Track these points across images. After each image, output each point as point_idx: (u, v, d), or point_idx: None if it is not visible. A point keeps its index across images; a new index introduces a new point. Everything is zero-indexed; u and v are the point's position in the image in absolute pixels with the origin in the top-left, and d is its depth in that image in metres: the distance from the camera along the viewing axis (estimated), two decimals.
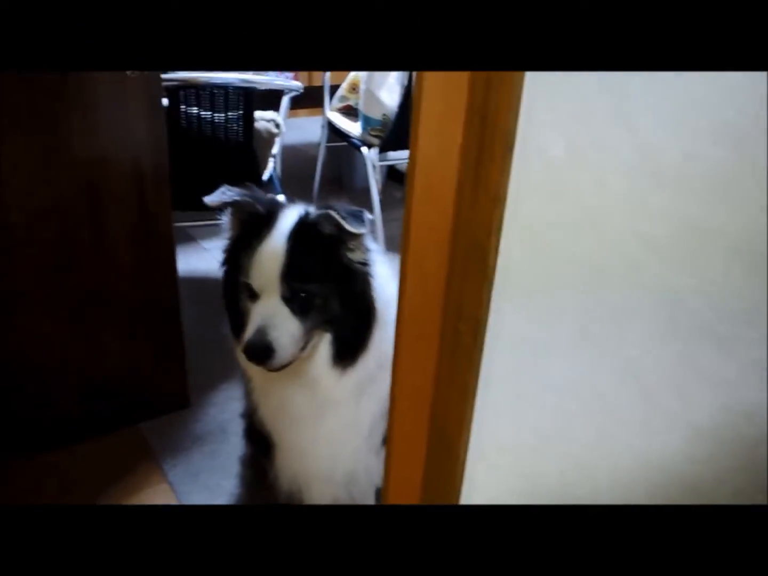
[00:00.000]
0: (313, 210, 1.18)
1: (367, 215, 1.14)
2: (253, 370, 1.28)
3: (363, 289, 1.17)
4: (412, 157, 0.68)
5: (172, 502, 1.69)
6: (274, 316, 1.11)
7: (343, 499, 1.41)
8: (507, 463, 0.69)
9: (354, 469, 1.31)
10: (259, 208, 1.19)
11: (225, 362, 2.11)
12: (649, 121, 0.51)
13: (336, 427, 1.29)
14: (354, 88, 3.23)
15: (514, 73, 0.51)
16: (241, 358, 1.22)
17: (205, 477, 1.77)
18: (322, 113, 3.38)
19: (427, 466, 0.72)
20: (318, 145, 3.54)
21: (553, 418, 0.63)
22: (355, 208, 1.15)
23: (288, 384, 1.25)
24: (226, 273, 1.26)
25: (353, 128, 2.99)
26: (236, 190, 1.20)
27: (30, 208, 1.55)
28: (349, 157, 3.66)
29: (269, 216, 1.18)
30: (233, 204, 1.20)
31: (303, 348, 1.17)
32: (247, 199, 1.19)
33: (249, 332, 1.11)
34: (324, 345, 1.21)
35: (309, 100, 4.28)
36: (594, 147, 0.53)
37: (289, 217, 1.18)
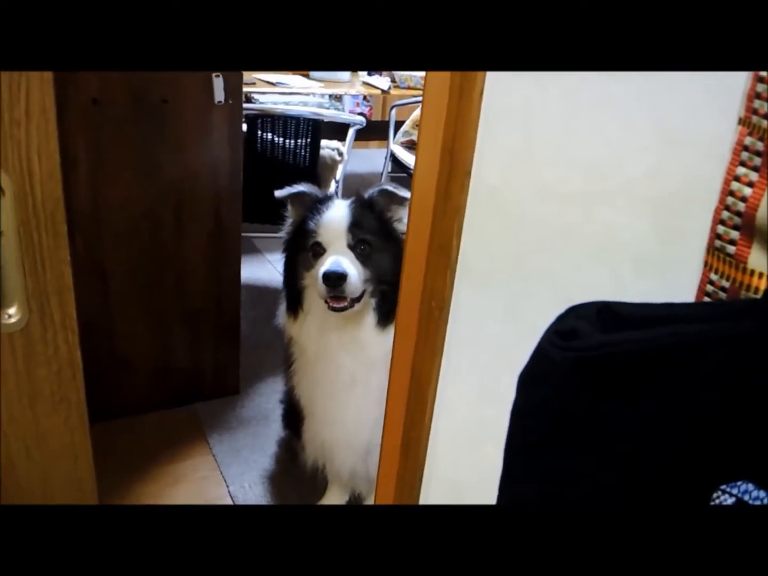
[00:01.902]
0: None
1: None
2: (307, 340, 1.53)
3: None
4: (412, 187, 0.93)
5: (215, 471, 1.95)
6: (343, 257, 1.39)
7: (361, 471, 1.63)
8: (464, 408, 0.90)
9: (371, 440, 1.51)
10: (320, 195, 1.51)
11: (274, 359, 2.38)
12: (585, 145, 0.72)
13: (360, 399, 1.52)
14: (417, 124, 3.51)
15: (470, 126, 0.75)
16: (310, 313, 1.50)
17: (246, 453, 2.02)
18: (387, 146, 3.66)
19: (407, 409, 0.95)
20: (381, 174, 3.82)
21: (501, 372, 0.84)
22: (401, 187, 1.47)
23: (336, 351, 1.50)
24: (287, 250, 1.54)
25: (413, 161, 3.25)
26: (299, 185, 1.52)
27: (125, 215, 1.86)
28: (408, 186, 3.92)
29: (328, 199, 1.49)
30: (298, 194, 1.51)
31: (359, 298, 1.42)
32: (308, 189, 1.52)
33: (326, 265, 1.37)
34: (370, 311, 1.46)
35: (378, 133, 4.61)
36: (523, 178, 0.75)
37: (345, 200, 1.49)
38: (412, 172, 3.30)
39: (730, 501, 0.45)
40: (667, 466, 0.44)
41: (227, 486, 1.89)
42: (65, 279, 0.61)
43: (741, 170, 0.44)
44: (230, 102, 1.91)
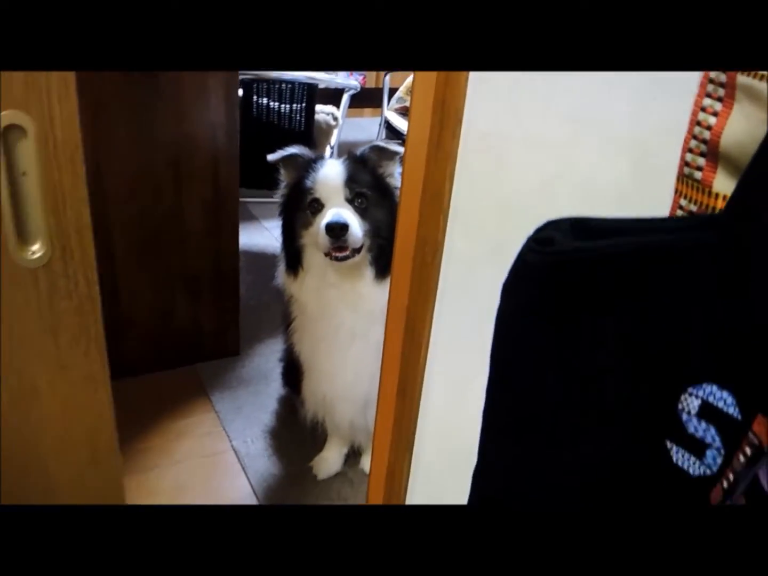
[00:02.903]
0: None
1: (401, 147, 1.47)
2: (307, 297, 1.58)
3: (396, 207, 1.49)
4: (407, 138, 0.96)
5: (217, 427, 2.02)
6: (342, 210, 1.44)
7: (360, 423, 1.69)
8: (457, 349, 0.96)
9: (369, 392, 1.57)
10: (311, 155, 1.56)
11: (272, 322, 2.44)
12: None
13: (359, 352, 1.57)
14: (411, 91, 3.52)
15: (461, 77, 0.79)
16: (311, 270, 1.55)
17: (247, 410, 2.09)
18: (380, 113, 3.68)
19: (403, 352, 1.00)
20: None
21: (491, 314, 0.89)
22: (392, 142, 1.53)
23: (335, 306, 1.55)
24: (284, 212, 1.58)
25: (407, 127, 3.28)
26: (291, 148, 1.56)
27: (123, 176, 1.89)
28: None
29: (320, 158, 1.54)
30: (290, 156, 1.54)
31: (359, 250, 1.47)
32: (299, 151, 1.56)
33: (327, 218, 1.42)
34: (366, 265, 1.52)
35: (371, 100, 4.60)
36: (510, 127, 0.80)
37: (338, 159, 1.55)
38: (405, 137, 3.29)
39: (696, 403, 0.50)
40: (635, 370, 0.49)
41: (230, 441, 1.96)
42: (84, 218, 0.65)
43: (707, 101, 0.48)
44: None
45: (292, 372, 1.87)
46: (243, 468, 1.86)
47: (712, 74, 0.48)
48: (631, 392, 0.51)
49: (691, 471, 0.51)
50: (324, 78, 2.49)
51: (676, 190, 0.52)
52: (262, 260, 3.03)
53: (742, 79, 0.45)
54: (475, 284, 0.89)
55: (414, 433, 1.14)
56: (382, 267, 1.50)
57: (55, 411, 0.72)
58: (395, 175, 1.51)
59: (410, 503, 1.26)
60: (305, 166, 1.52)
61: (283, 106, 2.46)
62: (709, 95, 0.48)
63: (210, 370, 2.26)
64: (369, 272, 1.52)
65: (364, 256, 1.50)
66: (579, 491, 0.55)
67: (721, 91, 0.47)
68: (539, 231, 0.44)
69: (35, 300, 0.66)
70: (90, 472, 0.78)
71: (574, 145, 0.75)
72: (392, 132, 3.46)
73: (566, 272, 0.42)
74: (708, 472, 0.50)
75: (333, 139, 2.77)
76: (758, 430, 0.47)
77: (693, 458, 0.50)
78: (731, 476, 0.49)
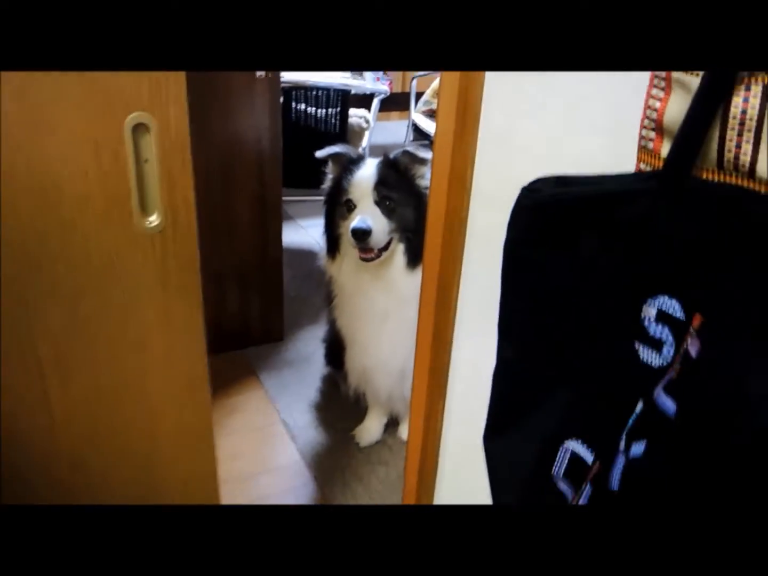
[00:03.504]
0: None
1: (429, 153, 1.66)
2: (345, 279, 1.78)
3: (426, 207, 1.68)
4: (436, 131, 1.15)
5: (266, 403, 2.22)
6: (369, 213, 1.63)
7: (397, 393, 1.88)
8: (482, 304, 1.14)
9: (405, 366, 1.75)
10: (354, 155, 1.76)
11: (311, 311, 2.65)
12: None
13: (393, 330, 1.76)
14: (437, 93, 3.71)
15: (479, 80, 0.98)
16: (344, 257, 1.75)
17: (293, 388, 2.29)
18: (408, 116, 3.87)
19: (436, 311, 1.19)
20: (404, 143, 4.03)
21: None
22: (422, 148, 1.71)
23: (369, 289, 1.74)
24: (328, 203, 1.79)
25: (434, 128, 3.46)
26: (337, 146, 1.76)
27: None
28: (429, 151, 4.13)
29: (361, 159, 1.74)
30: (336, 154, 1.75)
31: (386, 247, 1.66)
32: (344, 150, 1.76)
33: (353, 222, 1.61)
34: (399, 254, 1.70)
35: (398, 104, 4.80)
36: (519, 120, 0.98)
37: (375, 159, 1.74)
38: (432, 139, 3.47)
39: (653, 311, 0.68)
40: (604, 288, 0.67)
41: (279, 414, 2.16)
42: (190, 196, 0.85)
43: (654, 91, 0.66)
44: (269, 75, 2.15)
45: (335, 350, 2.06)
46: (292, 438, 2.06)
47: None
48: (603, 306, 0.69)
49: (653, 363, 0.68)
50: (355, 84, 2.69)
51: (638, 158, 0.70)
52: (299, 256, 3.24)
53: (675, 74, 0.63)
54: (495, 249, 1.07)
55: (445, 404, 1.32)
56: (412, 256, 1.68)
57: (159, 352, 0.92)
58: (425, 176, 1.69)
59: (442, 467, 1.43)
60: (346, 164, 1.72)
61: (319, 111, 2.67)
62: (655, 86, 0.66)
63: (257, 354, 2.47)
64: (400, 261, 1.71)
65: (395, 247, 1.69)
66: (573, 383, 0.73)
67: (662, 84, 0.65)
68: (532, 183, 0.63)
69: (152, 259, 0.85)
70: (185, 402, 0.98)
71: (570, 133, 0.93)
72: (419, 133, 3.65)
73: (547, 211, 0.60)
74: (665, 363, 0.68)
75: (365, 141, 2.96)
76: (695, 324, 0.64)
77: (654, 353, 0.68)
78: (679, 361, 0.67)
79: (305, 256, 3.29)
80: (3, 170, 0.72)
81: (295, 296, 2.84)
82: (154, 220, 0.84)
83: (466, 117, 1.03)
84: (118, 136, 0.77)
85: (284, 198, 3.20)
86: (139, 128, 0.79)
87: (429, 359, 1.24)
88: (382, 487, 1.87)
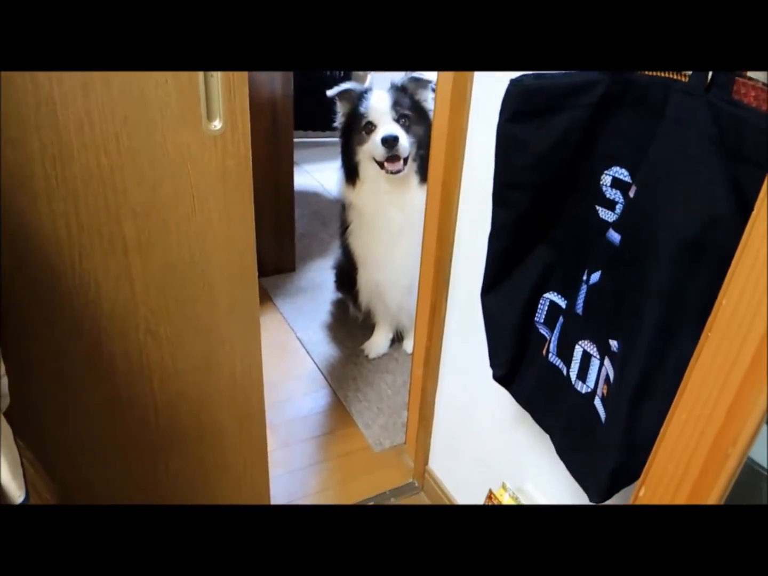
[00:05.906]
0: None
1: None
2: (363, 202, 2.00)
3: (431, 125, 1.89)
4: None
5: (283, 324, 2.45)
6: (392, 127, 1.84)
7: (407, 304, 2.11)
8: (481, 211, 1.36)
9: (413, 279, 1.95)
10: (361, 89, 1.95)
11: (319, 246, 2.86)
12: None
13: (405, 245, 1.98)
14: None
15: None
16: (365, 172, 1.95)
17: (307, 311, 2.52)
18: None
19: (440, 213, 1.41)
20: None
21: None
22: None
23: (387, 208, 1.96)
24: (343, 135, 1.98)
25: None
26: (345, 84, 1.96)
27: None
28: None
29: (369, 91, 1.94)
30: (345, 91, 1.94)
31: (406, 161, 1.87)
32: (354, 86, 1.96)
33: (380, 134, 1.83)
34: (412, 173, 1.92)
35: None
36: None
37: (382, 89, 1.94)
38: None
39: (608, 179, 0.89)
40: (571, 160, 0.88)
41: (295, 333, 2.39)
42: (245, 104, 1.04)
43: None
44: None
45: (345, 275, 2.29)
46: (308, 352, 2.29)
47: None
48: (573, 175, 0.91)
49: (609, 219, 0.90)
50: None
51: None
52: (305, 198, 3.43)
53: None
54: (489, 163, 1.29)
55: (445, 314, 1.54)
56: (424, 174, 1.89)
57: (219, 240, 1.13)
58: (429, 100, 1.89)
59: (443, 370, 1.66)
60: (358, 98, 1.91)
61: None
62: None
63: (272, 282, 2.69)
64: (414, 179, 1.92)
65: (410, 166, 1.90)
66: (550, 241, 0.95)
67: None
68: (517, 78, 0.84)
69: (214, 158, 1.05)
70: (237, 282, 1.19)
71: None
72: None
73: (531, 96, 0.82)
74: (617, 218, 0.89)
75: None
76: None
77: (609, 212, 0.89)
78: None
79: (311, 197, 3.49)
80: None
81: (304, 232, 3.05)
82: (216, 124, 1.04)
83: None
84: None
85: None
86: None
87: (434, 252, 1.46)
88: (390, 392, 2.12)
